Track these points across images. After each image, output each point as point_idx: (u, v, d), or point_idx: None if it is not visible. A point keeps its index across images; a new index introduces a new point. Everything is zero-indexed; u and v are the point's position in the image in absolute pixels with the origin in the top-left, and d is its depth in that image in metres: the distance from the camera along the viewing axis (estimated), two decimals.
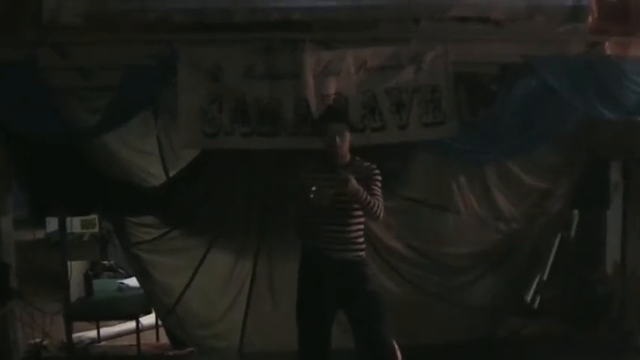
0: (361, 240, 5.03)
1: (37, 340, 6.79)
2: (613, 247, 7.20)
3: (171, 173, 6.28)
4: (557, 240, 7.09)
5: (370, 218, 4.99)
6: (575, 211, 7.28)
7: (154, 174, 6.29)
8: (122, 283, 7.57)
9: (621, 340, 6.69)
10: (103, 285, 7.53)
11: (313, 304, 4.99)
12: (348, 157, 4.98)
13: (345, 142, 4.92)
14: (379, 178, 4.97)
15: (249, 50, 5.52)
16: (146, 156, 6.29)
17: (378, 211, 4.86)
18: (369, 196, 4.78)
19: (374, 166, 4.99)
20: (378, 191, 4.92)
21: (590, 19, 5.82)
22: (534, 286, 7.25)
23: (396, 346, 4.95)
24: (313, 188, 4.65)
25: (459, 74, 5.65)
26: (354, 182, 4.67)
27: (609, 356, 6.47)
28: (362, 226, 5.03)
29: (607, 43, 5.87)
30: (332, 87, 5.57)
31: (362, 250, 5.04)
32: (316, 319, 4.99)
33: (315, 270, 4.97)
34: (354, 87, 5.58)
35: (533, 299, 7.17)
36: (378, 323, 4.89)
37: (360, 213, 4.93)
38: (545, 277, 7.10)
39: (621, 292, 6.90)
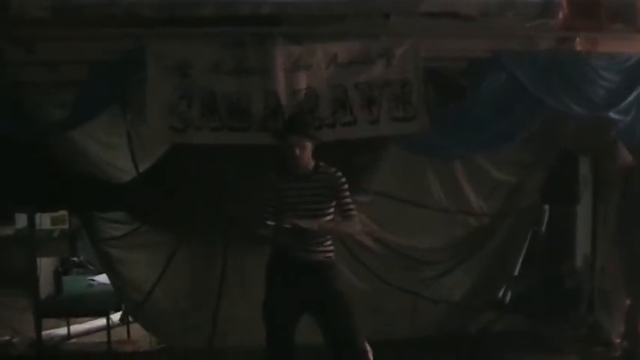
0: (330, 241, 4.98)
1: (6, 337, 6.73)
2: (583, 241, 7.26)
3: (141, 168, 6.23)
4: (529, 235, 7.09)
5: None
6: (546, 206, 7.32)
7: (123, 169, 6.23)
8: (92, 279, 7.52)
9: (591, 333, 6.75)
10: (73, 281, 7.49)
11: (280, 305, 4.90)
12: (311, 164, 4.90)
13: (306, 152, 4.82)
14: (346, 185, 4.89)
15: (218, 45, 5.48)
16: (115, 151, 6.22)
17: (356, 227, 4.98)
18: (343, 224, 4.88)
19: (339, 173, 4.90)
20: (349, 199, 4.89)
21: (560, 15, 5.84)
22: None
23: (368, 347, 4.92)
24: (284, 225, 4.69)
25: (428, 69, 5.64)
26: (318, 225, 4.75)
27: (579, 350, 6.52)
28: None
29: (577, 39, 5.89)
30: (302, 82, 5.54)
31: (332, 251, 5.00)
32: (283, 320, 4.91)
33: (284, 270, 4.91)
34: (324, 82, 5.54)
35: (504, 294, 7.19)
36: (348, 323, 4.83)
37: (331, 212, 4.90)
38: (516, 272, 7.11)
39: (590, 286, 6.95)
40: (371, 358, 4.89)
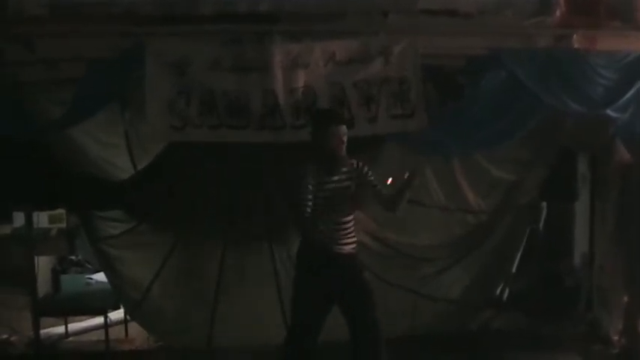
0: (354, 233, 5.12)
1: (4, 336, 6.72)
2: (581, 239, 7.26)
3: (140, 167, 6.23)
4: (526, 232, 7.08)
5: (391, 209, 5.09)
6: (544, 204, 7.32)
7: (121, 167, 6.24)
8: (90, 278, 7.51)
9: (589, 331, 6.75)
10: (71, 280, 7.46)
11: (312, 300, 5.03)
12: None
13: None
14: (370, 172, 5.11)
15: (217, 43, 5.48)
16: (113, 149, 6.24)
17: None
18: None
19: (361, 163, 5.10)
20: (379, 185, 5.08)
21: (557, 12, 5.85)
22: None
23: None
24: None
25: (426, 67, 5.65)
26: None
27: (577, 348, 6.52)
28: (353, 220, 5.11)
29: (575, 37, 5.89)
30: (300, 80, 5.55)
31: (356, 242, 5.16)
32: (313, 315, 5.05)
33: (314, 262, 5.01)
34: (322, 80, 5.56)
35: (502, 291, 7.18)
36: (373, 307, 4.99)
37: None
38: (513, 270, 7.11)
39: (589, 284, 6.95)
40: None
